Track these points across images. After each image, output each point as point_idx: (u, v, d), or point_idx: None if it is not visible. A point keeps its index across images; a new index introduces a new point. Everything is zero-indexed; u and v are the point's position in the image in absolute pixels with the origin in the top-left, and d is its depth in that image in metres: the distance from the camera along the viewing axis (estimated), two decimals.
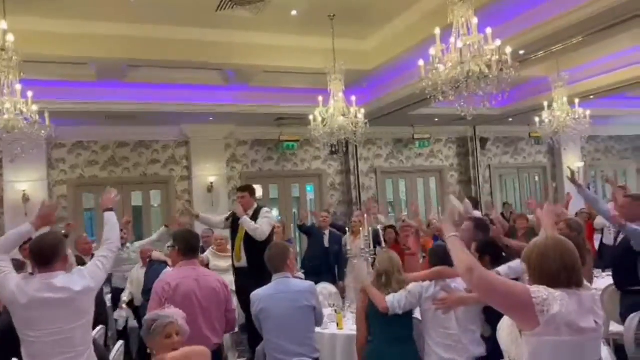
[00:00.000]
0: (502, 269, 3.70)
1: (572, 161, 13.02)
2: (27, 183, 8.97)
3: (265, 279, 3.88)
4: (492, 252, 3.88)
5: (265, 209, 5.68)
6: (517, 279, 3.92)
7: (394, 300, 3.58)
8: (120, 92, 8.13)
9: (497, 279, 2.04)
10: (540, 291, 1.94)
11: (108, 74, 7.58)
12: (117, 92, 8.11)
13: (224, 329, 3.61)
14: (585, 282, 2.10)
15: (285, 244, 4.78)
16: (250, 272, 5.52)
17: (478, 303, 3.41)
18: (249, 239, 5.55)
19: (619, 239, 4.85)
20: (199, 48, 7.19)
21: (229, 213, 6.23)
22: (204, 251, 7.09)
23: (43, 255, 2.91)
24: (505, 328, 2.18)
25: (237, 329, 5.01)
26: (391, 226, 7.39)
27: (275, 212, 11.05)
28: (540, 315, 1.90)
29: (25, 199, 8.87)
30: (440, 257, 3.75)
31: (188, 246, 3.62)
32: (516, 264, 3.85)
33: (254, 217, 5.61)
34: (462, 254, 2.10)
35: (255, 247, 5.43)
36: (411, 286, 3.65)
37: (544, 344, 1.93)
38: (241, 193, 5.85)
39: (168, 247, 6.26)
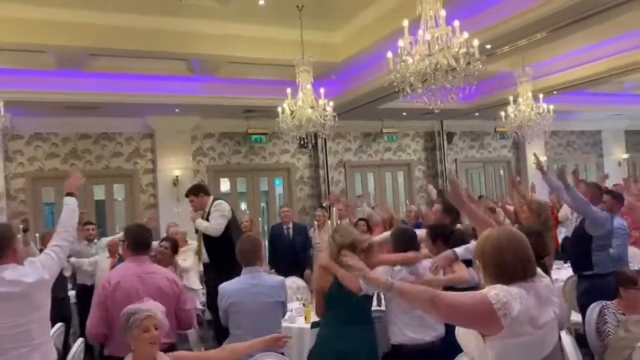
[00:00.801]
0: (459, 250, 3.80)
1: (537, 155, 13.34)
2: None
3: (228, 273, 3.80)
4: (441, 234, 4.05)
5: (216, 202, 5.42)
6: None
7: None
8: (81, 81, 7.84)
9: (457, 300, 1.97)
10: (498, 295, 1.89)
11: (68, 63, 7.30)
12: (78, 81, 7.82)
13: (176, 328, 3.42)
14: (539, 271, 2.07)
15: (256, 237, 4.72)
16: (213, 267, 5.43)
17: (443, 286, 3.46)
18: (207, 235, 5.44)
19: (577, 225, 5.02)
20: (163, 37, 7.00)
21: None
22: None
23: None
24: (465, 332, 2.13)
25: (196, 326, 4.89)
26: (362, 218, 7.42)
27: (243, 206, 10.94)
28: (503, 319, 1.87)
29: None
30: (404, 240, 3.80)
31: (137, 241, 3.45)
32: (474, 245, 3.94)
33: (209, 215, 5.46)
34: (418, 293, 2.03)
35: (213, 243, 5.34)
36: (381, 269, 3.63)
37: (509, 346, 1.91)
38: (189, 198, 5.61)
39: (120, 241, 6.14)
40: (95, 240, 7.02)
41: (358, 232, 4.03)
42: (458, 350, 3.36)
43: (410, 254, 3.65)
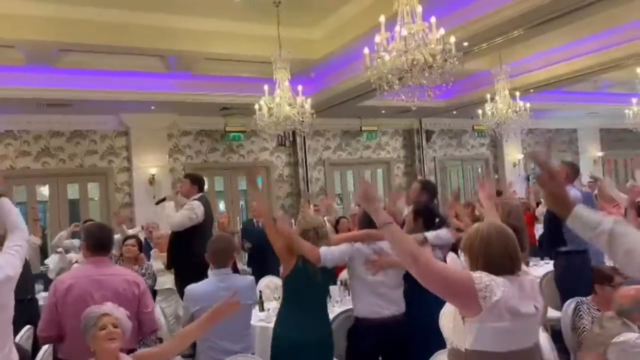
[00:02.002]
0: (430, 234, 3.88)
1: (513, 153, 13.50)
2: None
3: (184, 278, 3.72)
4: (426, 217, 4.03)
5: (194, 202, 5.32)
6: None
7: (327, 252, 3.46)
8: (52, 78, 7.64)
9: (440, 267, 2.00)
10: (482, 277, 1.94)
11: (38, 58, 7.10)
12: (49, 77, 7.62)
13: (138, 332, 3.26)
14: (523, 267, 2.12)
15: (229, 236, 4.62)
16: (173, 267, 5.37)
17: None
18: (175, 234, 5.34)
19: None
20: (138, 32, 6.86)
21: (161, 197, 5.97)
22: (148, 245, 6.80)
23: None
24: (447, 315, 2.16)
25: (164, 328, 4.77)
26: (343, 217, 7.41)
27: (221, 206, 10.80)
28: (483, 301, 1.90)
29: None
30: (370, 219, 3.72)
31: (97, 242, 3.29)
32: (444, 232, 3.98)
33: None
34: (403, 243, 2.02)
35: (177, 243, 5.26)
36: (344, 245, 3.64)
37: (486, 330, 1.94)
38: (183, 179, 5.67)
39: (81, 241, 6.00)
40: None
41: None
42: (417, 325, 3.48)
43: (369, 230, 3.59)
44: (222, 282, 3.52)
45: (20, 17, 6.21)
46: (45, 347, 3.82)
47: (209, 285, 3.54)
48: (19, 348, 3.15)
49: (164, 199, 5.66)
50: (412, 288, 3.24)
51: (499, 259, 2.01)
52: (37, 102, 8.18)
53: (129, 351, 3.05)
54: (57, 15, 6.35)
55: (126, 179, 9.92)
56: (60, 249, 6.58)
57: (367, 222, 3.69)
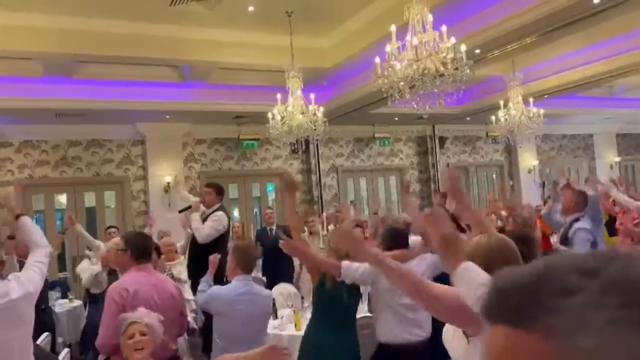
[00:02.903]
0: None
1: (528, 159, 13.40)
2: None
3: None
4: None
5: (216, 214, 5.40)
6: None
7: (348, 267, 3.31)
8: (70, 88, 7.79)
9: (442, 291, 1.95)
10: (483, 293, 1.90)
11: (56, 70, 7.25)
12: (66, 88, 7.77)
13: (178, 332, 3.49)
14: None
15: (252, 244, 4.70)
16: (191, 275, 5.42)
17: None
18: (194, 243, 5.40)
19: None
20: (153, 44, 6.97)
21: (185, 205, 6.03)
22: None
23: None
24: (451, 333, 2.11)
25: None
26: (358, 225, 7.40)
27: (236, 213, 10.88)
28: None
29: None
30: (392, 239, 3.68)
31: (142, 250, 3.40)
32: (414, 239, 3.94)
33: (208, 217, 5.45)
34: (405, 275, 1.98)
35: (198, 252, 5.30)
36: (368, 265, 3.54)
37: None
38: (207, 189, 5.68)
39: (118, 250, 6.05)
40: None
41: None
42: (445, 352, 3.40)
43: (397, 253, 3.51)
44: (244, 287, 3.58)
45: (39, 29, 6.35)
46: (62, 354, 3.90)
47: (233, 290, 3.58)
48: (41, 352, 3.23)
49: (188, 207, 5.71)
50: None
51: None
52: (55, 113, 8.34)
53: (174, 352, 3.15)
54: (74, 27, 6.49)
55: (142, 187, 10.05)
56: (90, 256, 6.59)
57: (390, 239, 3.65)
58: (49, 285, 6.13)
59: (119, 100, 8.21)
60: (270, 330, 4.70)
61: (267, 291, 3.92)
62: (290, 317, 4.77)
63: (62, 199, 9.94)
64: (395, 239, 3.70)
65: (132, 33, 6.77)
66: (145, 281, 3.32)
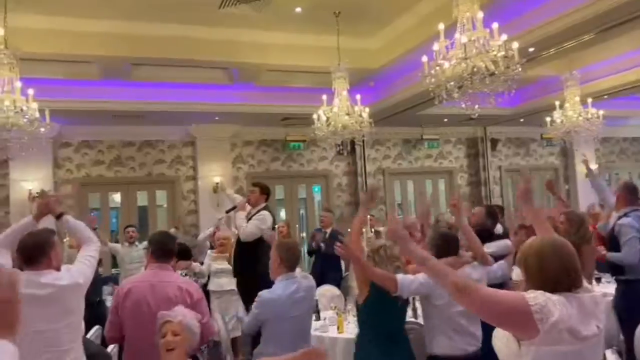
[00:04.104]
0: (491, 247, 3.77)
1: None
2: (33, 182, 8.96)
3: (250, 284, 3.78)
4: (482, 236, 3.89)
5: (261, 213, 5.42)
6: (503, 257, 3.85)
7: (405, 281, 3.19)
8: (125, 91, 8.09)
9: (491, 295, 1.88)
10: (537, 297, 1.82)
11: (112, 73, 7.53)
12: (122, 91, 8.07)
13: None
14: (585, 283, 1.97)
15: (296, 241, 4.69)
16: (237, 273, 5.46)
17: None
18: (239, 241, 5.44)
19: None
20: (204, 46, 7.12)
21: (231, 205, 6.11)
22: (212, 247, 6.97)
23: (28, 253, 2.87)
24: (501, 337, 2.04)
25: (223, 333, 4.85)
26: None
27: (282, 214, 10.96)
28: (540, 323, 1.78)
29: (31, 197, 8.86)
30: (442, 246, 3.54)
31: (161, 249, 3.41)
32: (504, 242, 3.81)
33: (253, 216, 5.49)
34: (447, 276, 1.94)
35: (244, 250, 5.35)
36: (422, 277, 3.30)
37: (545, 354, 1.82)
38: (253, 187, 5.75)
39: (144, 249, 6.23)
40: (137, 243, 7.25)
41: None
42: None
43: (450, 260, 3.39)
44: (292, 285, 3.56)
45: (96, 34, 6.61)
46: (111, 347, 4.02)
47: (281, 289, 3.53)
48: (90, 345, 3.34)
49: (234, 208, 5.79)
50: None
51: (554, 274, 1.89)
52: (111, 114, 8.67)
53: (192, 357, 3.16)
54: (129, 31, 6.72)
55: (192, 187, 10.28)
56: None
57: (441, 245, 3.51)
58: (102, 280, 6.37)
59: (171, 102, 8.45)
60: (312, 331, 4.68)
61: (311, 279, 3.84)
62: (332, 319, 4.73)
63: (117, 197, 10.33)
64: (447, 245, 3.57)
65: (183, 36, 6.93)
66: (143, 280, 3.32)
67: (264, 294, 3.54)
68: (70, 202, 9.41)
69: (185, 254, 5.50)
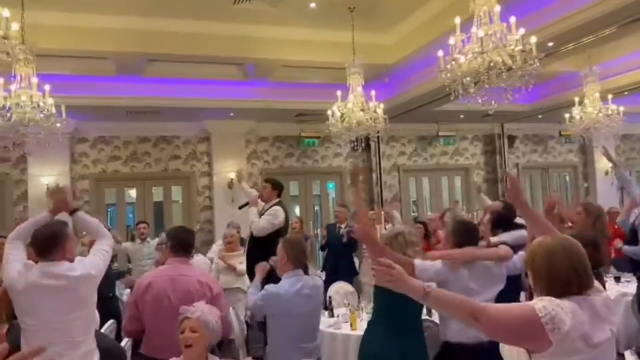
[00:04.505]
0: (505, 236, 3.67)
1: (605, 160, 12.55)
2: (51, 177, 9.06)
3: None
4: (503, 224, 3.91)
5: (275, 207, 5.40)
6: (521, 246, 3.76)
7: (422, 267, 3.12)
8: (140, 87, 8.13)
9: (501, 314, 1.81)
10: (546, 308, 1.73)
11: (127, 69, 7.57)
12: (137, 87, 8.11)
13: None
14: (596, 284, 1.89)
15: (301, 238, 4.66)
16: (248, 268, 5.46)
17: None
18: (253, 237, 5.44)
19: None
20: (218, 42, 7.13)
21: (245, 201, 6.10)
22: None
23: (42, 244, 2.91)
24: (509, 348, 1.97)
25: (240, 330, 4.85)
26: (422, 222, 7.20)
27: (297, 210, 10.95)
28: (552, 334, 1.70)
29: (49, 192, 8.96)
30: (463, 235, 3.39)
31: (179, 243, 3.44)
32: (520, 233, 3.75)
33: (264, 212, 5.49)
34: (458, 305, 1.88)
35: (256, 246, 5.33)
36: (440, 264, 3.23)
37: None
38: (265, 183, 5.74)
39: (159, 244, 6.24)
40: (148, 239, 7.26)
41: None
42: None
43: (473, 250, 3.29)
44: (299, 281, 3.54)
45: (111, 30, 6.66)
46: (125, 341, 4.04)
47: (287, 285, 3.52)
48: (103, 339, 3.36)
49: (246, 204, 5.79)
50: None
51: (564, 275, 1.81)
52: (127, 110, 8.73)
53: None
54: (144, 27, 6.75)
55: (207, 183, 10.32)
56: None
57: (461, 234, 3.36)
58: (116, 275, 6.41)
59: (186, 97, 8.48)
60: (325, 328, 4.66)
61: (318, 279, 3.79)
62: (346, 316, 4.70)
63: (133, 193, 10.41)
64: (467, 234, 3.43)
65: (198, 32, 6.94)
66: (163, 275, 3.34)
67: (270, 287, 3.56)
68: (86, 198, 9.53)
69: None
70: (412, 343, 3.31)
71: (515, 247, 3.68)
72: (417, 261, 3.16)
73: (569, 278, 1.81)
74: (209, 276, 3.69)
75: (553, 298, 1.77)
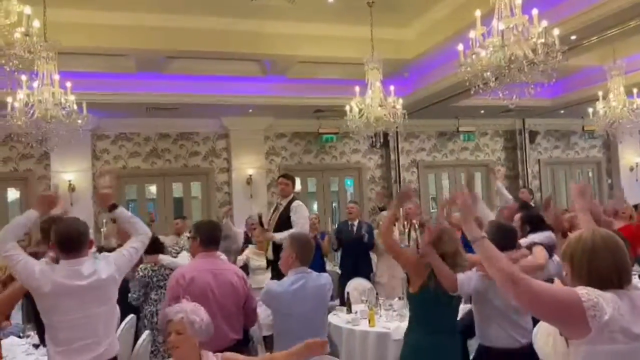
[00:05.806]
0: (537, 237, 3.65)
1: (629, 156, 12.29)
2: (73, 173, 9.23)
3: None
4: (531, 222, 3.91)
5: (297, 202, 5.44)
6: (551, 247, 3.69)
7: (464, 281, 3.17)
8: (160, 83, 8.20)
9: (543, 288, 1.80)
10: (589, 294, 1.72)
11: (147, 66, 7.64)
12: (157, 84, 8.19)
13: (242, 324, 3.45)
14: (635, 281, 1.90)
15: (308, 235, 4.61)
16: (275, 266, 5.44)
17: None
18: (279, 230, 5.43)
19: None
20: (236, 38, 7.15)
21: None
22: (248, 239, 6.98)
23: (70, 242, 2.91)
24: (543, 336, 1.94)
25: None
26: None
27: (315, 206, 10.95)
28: (592, 320, 1.68)
29: (71, 188, 9.13)
30: (501, 237, 3.25)
31: (209, 237, 3.48)
32: (547, 233, 3.72)
33: (287, 208, 5.47)
34: (499, 262, 1.86)
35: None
36: (477, 276, 3.23)
37: (597, 354, 1.72)
38: (286, 180, 5.68)
39: (187, 237, 6.25)
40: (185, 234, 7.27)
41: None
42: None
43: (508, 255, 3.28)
44: (303, 279, 3.47)
45: (132, 27, 6.72)
46: (144, 336, 4.08)
47: (288, 283, 3.47)
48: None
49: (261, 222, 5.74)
50: None
51: (605, 271, 1.78)
52: (147, 107, 8.82)
53: (236, 342, 3.22)
54: (164, 25, 6.79)
55: (225, 179, 10.39)
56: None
57: (499, 238, 3.11)
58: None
59: (206, 94, 8.52)
60: (343, 324, 4.65)
61: (324, 278, 3.66)
62: (364, 313, 4.68)
63: (153, 189, 10.52)
64: (505, 238, 3.34)
65: (217, 29, 6.97)
66: (204, 269, 3.36)
67: (270, 283, 3.58)
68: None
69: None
70: (451, 343, 3.33)
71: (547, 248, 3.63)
72: (460, 276, 3.20)
73: (609, 273, 1.79)
74: (239, 269, 3.72)
75: (594, 289, 1.76)
